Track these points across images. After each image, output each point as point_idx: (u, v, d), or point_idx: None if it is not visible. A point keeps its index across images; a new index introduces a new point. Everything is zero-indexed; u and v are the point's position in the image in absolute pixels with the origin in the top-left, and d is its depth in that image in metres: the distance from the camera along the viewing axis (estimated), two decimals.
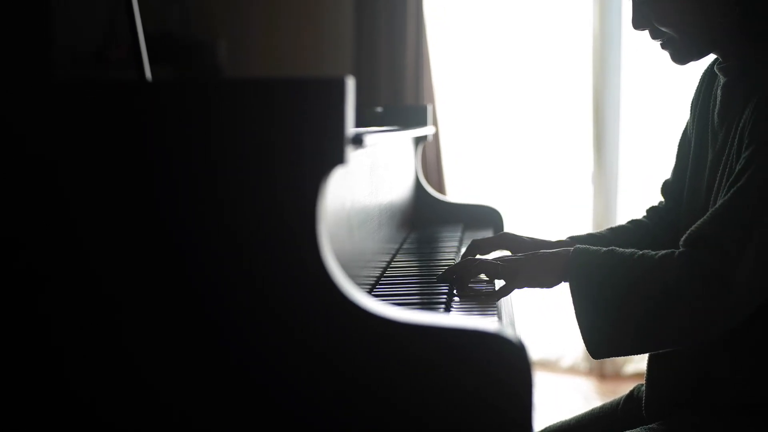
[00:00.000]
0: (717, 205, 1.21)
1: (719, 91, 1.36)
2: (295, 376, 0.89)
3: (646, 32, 1.37)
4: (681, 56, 1.34)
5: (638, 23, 1.36)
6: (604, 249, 1.27)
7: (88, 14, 3.72)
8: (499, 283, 1.41)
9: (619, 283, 1.22)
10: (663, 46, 1.36)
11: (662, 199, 1.62)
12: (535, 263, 1.35)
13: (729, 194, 1.20)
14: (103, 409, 0.91)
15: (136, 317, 0.90)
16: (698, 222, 1.21)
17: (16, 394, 0.92)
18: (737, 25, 1.29)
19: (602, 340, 1.24)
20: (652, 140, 3.69)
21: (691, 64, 1.36)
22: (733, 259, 1.16)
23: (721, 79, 1.36)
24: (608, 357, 1.27)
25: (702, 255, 1.18)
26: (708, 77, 1.45)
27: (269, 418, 0.90)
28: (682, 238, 1.22)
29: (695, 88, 1.48)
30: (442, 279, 1.46)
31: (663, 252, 1.22)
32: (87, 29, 3.83)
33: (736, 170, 1.21)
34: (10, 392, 0.92)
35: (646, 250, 1.24)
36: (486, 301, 1.36)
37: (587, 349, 1.27)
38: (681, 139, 1.55)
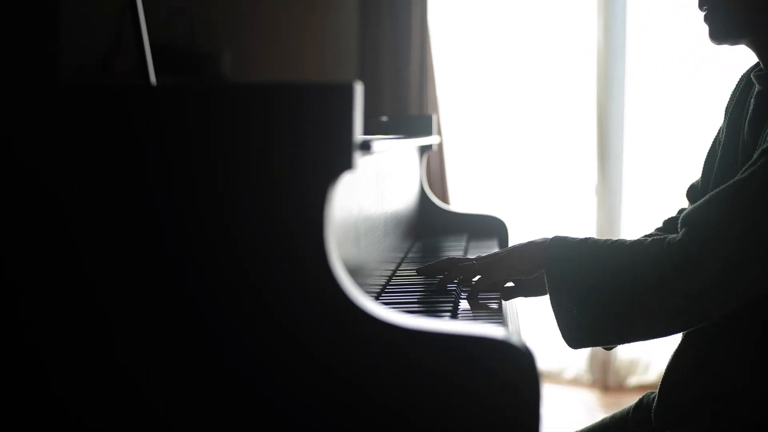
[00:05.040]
0: (714, 192, 1.21)
1: (753, 100, 1.35)
2: (303, 383, 0.89)
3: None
4: (716, 32, 1.33)
5: None
6: (582, 237, 1.29)
7: (94, 25, 3.73)
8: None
9: (592, 267, 1.23)
10: (705, 19, 1.34)
11: (682, 207, 1.60)
12: (509, 254, 1.40)
13: (728, 184, 1.20)
14: (99, 421, 0.91)
15: (138, 327, 0.90)
16: (692, 205, 1.23)
17: (6, 401, 0.92)
18: None
19: (578, 328, 1.25)
20: (656, 153, 3.68)
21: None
22: (708, 243, 1.16)
23: (757, 87, 1.35)
24: (586, 346, 1.27)
25: (682, 237, 1.18)
26: (745, 82, 1.43)
27: (278, 427, 0.90)
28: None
29: (731, 93, 1.46)
30: (422, 273, 1.52)
31: (648, 238, 1.24)
32: (93, 40, 3.84)
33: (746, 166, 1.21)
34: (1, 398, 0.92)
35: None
36: (470, 302, 1.39)
37: (563, 338, 1.28)
38: (713, 143, 1.52)
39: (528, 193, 3.92)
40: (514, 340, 0.87)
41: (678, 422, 1.36)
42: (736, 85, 1.46)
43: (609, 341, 1.28)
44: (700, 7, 1.35)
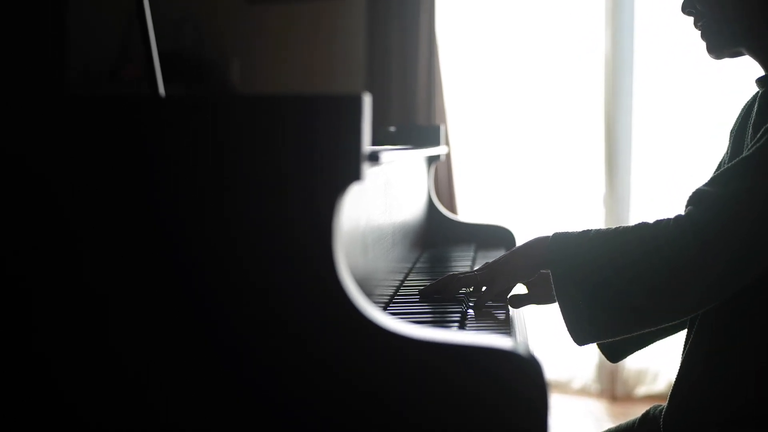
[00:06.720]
0: (718, 172, 1.23)
1: (757, 103, 1.37)
2: (311, 393, 0.89)
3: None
4: (713, 45, 1.35)
5: (685, 5, 1.37)
6: (581, 229, 1.30)
7: (102, 33, 3.75)
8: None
9: (598, 253, 1.23)
10: (702, 36, 1.36)
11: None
12: (510, 257, 1.40)
13: (732, 163, 1.22)
14: (101, 421, 0.91)
15: (144, 333, 0.91)
16: (698, 187, 1.24)
17: (8, 402, 0.92)
18: None
19: (585, 321, 1.23)
20: (664, 163, 3.68)
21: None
22: (719, 216, 1.17)
23: (760, 91, 1.37)
24: (594, 341, 1.26)
25: (690, 211, 1.19)
26: (750, 103, 1.44)
27: (280, 431, 0.90)
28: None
29: (736, 117, 1.47)
30: (424, 295, 1.49)
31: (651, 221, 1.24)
32: (101, 48, 3.85)
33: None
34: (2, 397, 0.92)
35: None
36: (476, 312, 1.39)
37: (570, 334, 1.25)
38: (720, 162, 1.53)
39: (536, 203, 3.91)
40: (521, 350, 0.87)
41: (689, 428, 1.35)
42: (741, 109, 1.47)
43: (619, 331, 1.27)
44: (695, 24, 1.37)
